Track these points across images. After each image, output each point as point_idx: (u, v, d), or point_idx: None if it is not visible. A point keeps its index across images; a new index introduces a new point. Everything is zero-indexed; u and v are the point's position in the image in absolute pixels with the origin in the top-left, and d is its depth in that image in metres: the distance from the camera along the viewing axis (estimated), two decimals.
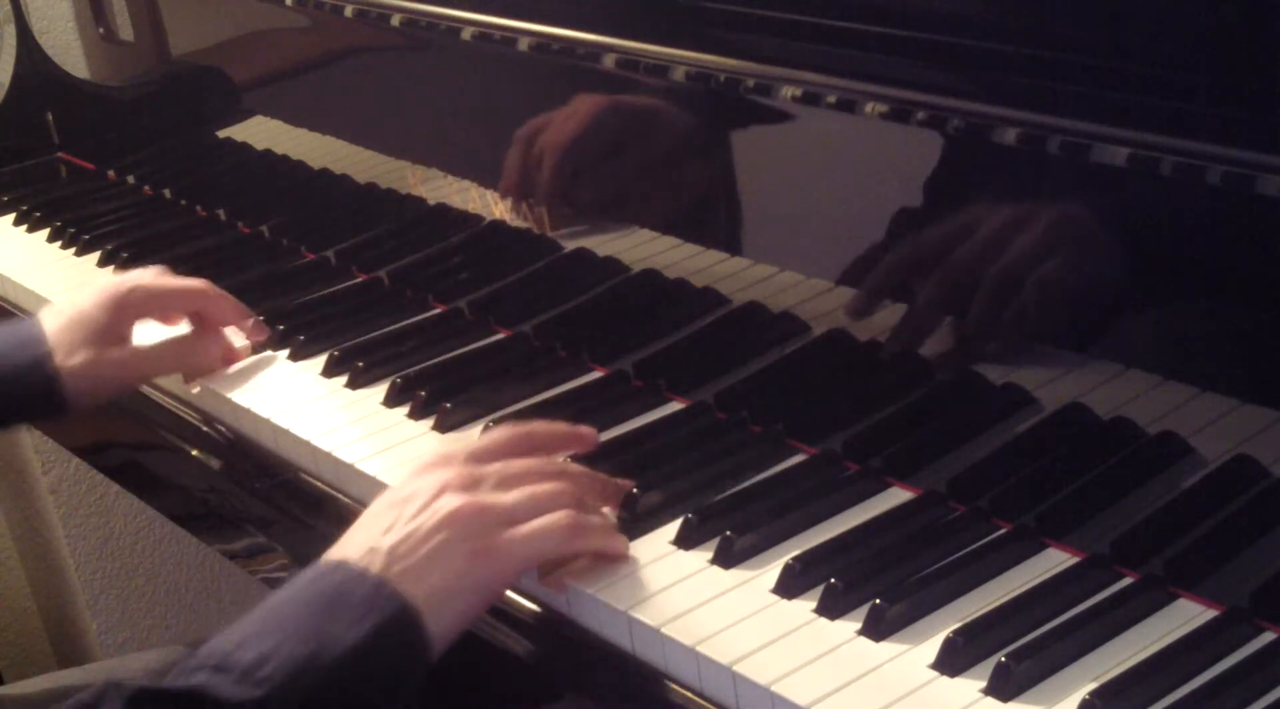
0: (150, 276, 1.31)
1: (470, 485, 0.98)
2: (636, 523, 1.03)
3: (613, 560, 0.99)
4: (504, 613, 1.02)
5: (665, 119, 1.18)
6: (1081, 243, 0.96)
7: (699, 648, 0.90)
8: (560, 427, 1.09)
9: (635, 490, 1.04)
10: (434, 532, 0.94)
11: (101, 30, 1.79)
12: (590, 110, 1.22)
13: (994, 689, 0.85)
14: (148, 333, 1.31)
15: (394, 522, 0.95)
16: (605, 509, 1.04)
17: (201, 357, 1.31)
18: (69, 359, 1.22)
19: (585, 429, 1.10)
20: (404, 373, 1.25)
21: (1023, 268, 0.99)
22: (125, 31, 1.76)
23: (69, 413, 1.24)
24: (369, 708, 0.91)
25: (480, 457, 1.02)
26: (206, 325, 1.32)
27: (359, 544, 0.94)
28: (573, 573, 0.99)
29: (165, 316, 1.33)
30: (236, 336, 1.34)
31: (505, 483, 0.99)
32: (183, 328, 1.33)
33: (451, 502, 0.95)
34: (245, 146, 1.64)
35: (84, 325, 1.24)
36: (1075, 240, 0.96)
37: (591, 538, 0.99)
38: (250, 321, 1.34)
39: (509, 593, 1.02)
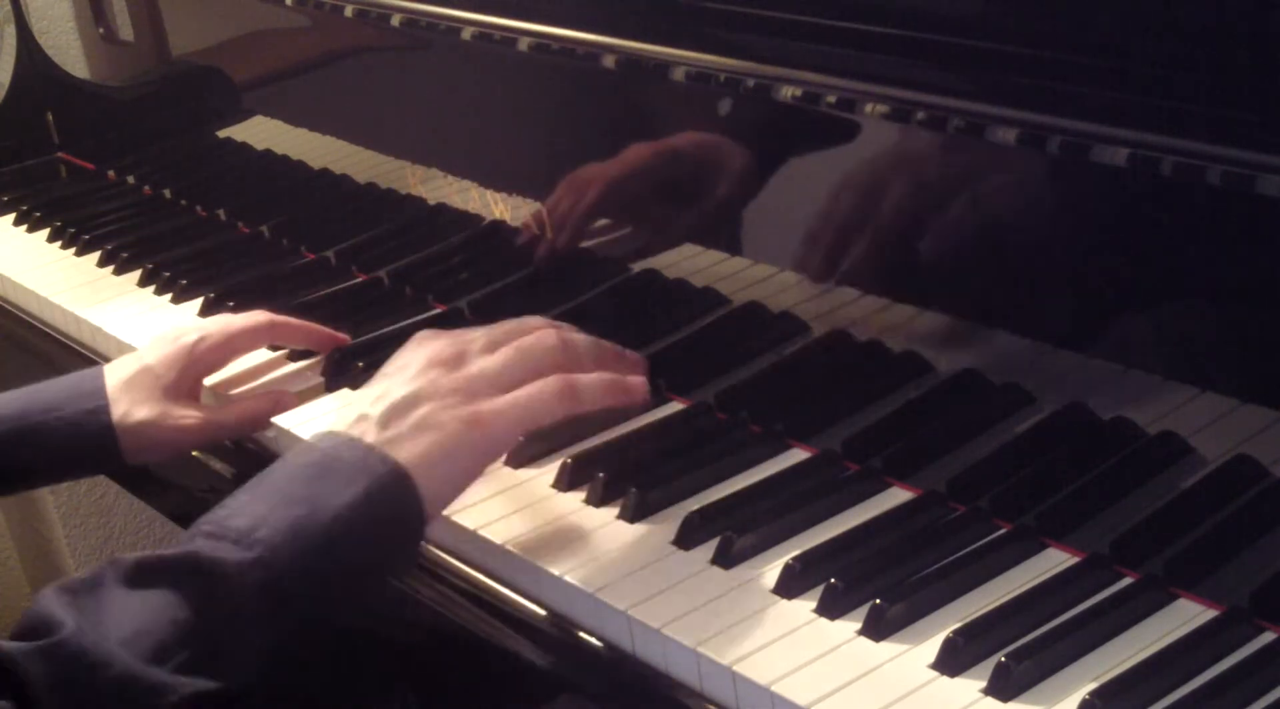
0: (218, 328, 1.24)
1: (458, 353, 0.99)
2: (637, 522, 1.03)
3: (627, 403, 0.99)
4: (504, 612, 1.02)
5: (663, 119, 1.18)
6: (1081, 243, 0.96)
7: (699, 648, 0.90)
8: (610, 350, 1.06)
9: (635, 490, 1.04)
10: (423, 399, 0.95)
11: (101, 30, 1.79)
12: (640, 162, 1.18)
13: (994, 689, 0.85)
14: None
15: (383, 392, 0.96)
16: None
17: (269, 419, 1.22)
18: (128, 417, 1.16)
19: (634, 380, 1.05)
20: None
21: (1022, 267, 0.99)
22: (125, 31, 1.76)
23: (124, 467, 1.20)
24: (368, 572, 0.92)
25: (465, 334, 1.02)
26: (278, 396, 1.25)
27: (349, 416, 0.95)
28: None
29: (233, 353, 1.26)
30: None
31: (493, 345, 1.00)
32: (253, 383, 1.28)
33: (440, 372, 0.96)
34: (245, 146, 1.64)
35: (148, 382, 1.18)
36: (1074, 240, 0.96)
37: (585, 399, 0.99)
38: (319, 333, 1.29)
39: (508, 592, 1.02)
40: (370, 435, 0.94)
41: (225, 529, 0.88)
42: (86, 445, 1.16)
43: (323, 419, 1.21)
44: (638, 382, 1.02)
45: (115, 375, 1.18)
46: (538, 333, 1.01)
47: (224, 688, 0.85)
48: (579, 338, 1.04)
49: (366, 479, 0.90)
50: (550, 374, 1.00)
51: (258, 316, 1.26)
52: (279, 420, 1.21)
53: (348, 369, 1.27)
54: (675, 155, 1.17)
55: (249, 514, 0.89)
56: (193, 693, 0.83)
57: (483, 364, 0.99)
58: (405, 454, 0.92)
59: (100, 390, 1.17)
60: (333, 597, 0.91)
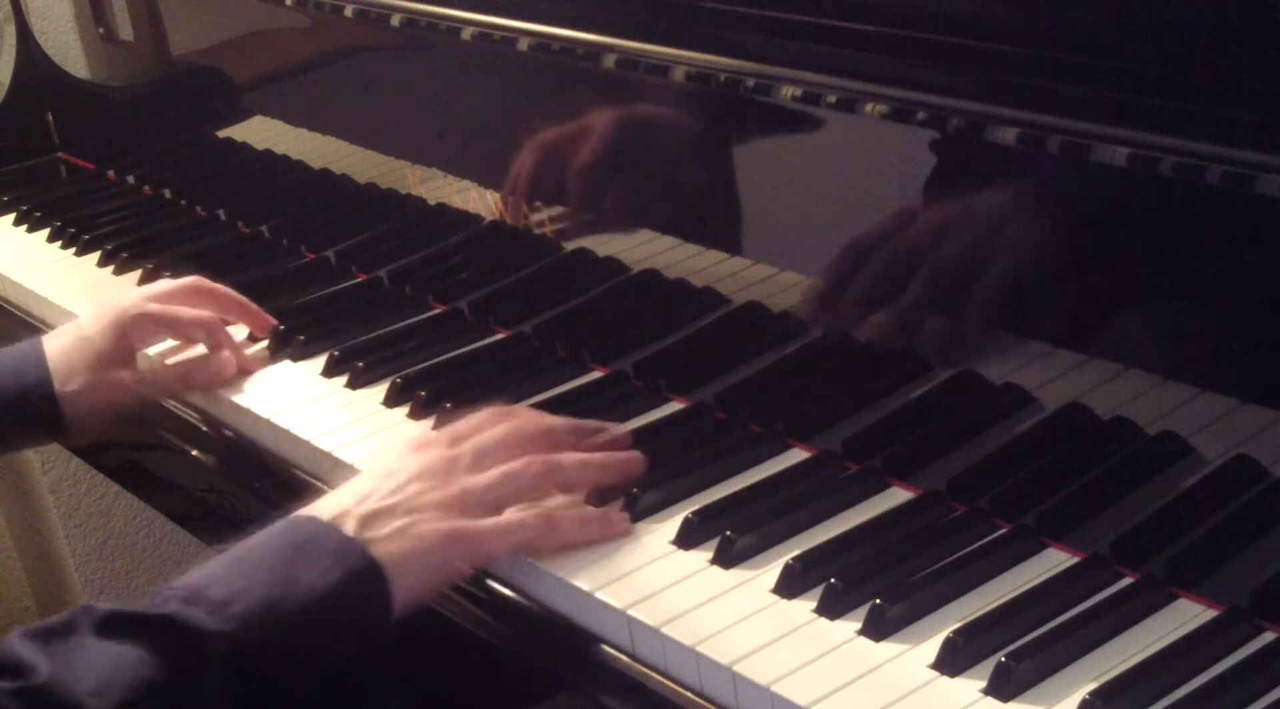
0: (156, 300, 1.29)
1: (446, 469, 1.00)
2: (637, 522, 1.03)
3: (602, 541, 1.01)
4: (503, 611, 1.02)
5: (668, 121, 1.18)
6: (1081, 243, 0.96)
7: (699, 648, 0.90)
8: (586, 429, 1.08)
9: (635, 490, 1.04)
10: (408, 509, 0.97)
11: (101, 30, 1.79)
12: (606, 126, 1.20)
13: (994, 689, 0.85)
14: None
15: (370, 492, 0.98)
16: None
17: (207, 379, 1.29)
18: (68, 384, 1.21)
19: (617, 431, 1.08)
20: (404, 373, 1.25)
21: (1021, 266, 0.99)
22: (125, 31, 1.76)
23: (70, 436, 1.24)
24: (328, 660, 0.94)
25: (461, 435, 1.04)
26: (214, 343, 1.30)
27: (332, 506, 0.97)
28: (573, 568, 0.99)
29: (174, 333, 1.32)
30: (242, 345, 1.33)
31: (480, 460, 1.02)
32: (194, 350, 1.32)
33: (428, 486, 0.99)
34: (245, 146, 1.64)
35: (85, 349, 1.24)
36: (1074, 240, 0.96)
37: (565, 534, 1.01)
38: (253, 314, 1.34)
39: (508, 591, 1.02)
40: (350, 530, 0.96)
41: (202, 598, 0.90)
42: (31, 417, 1.21)
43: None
44: (618, 517, 1.03)
45: (54, 346, 1.24)
46: (525, 458, 1.03)
47: None
48: (567, 458, 1.05)
49: (343, 569, 0.93)
50: (539, 496, 1.03)
51: (199, 298, 1.32)
52: (276, 419, 1.22)
53: (290, 340, 1.32)
54: (639, 122, 1.19)
55: (226, 586, 0.91)
56: None
57: (469, 483, 1.01)
58: (382, 552, 0.95)
59: (42, 363, 1.22)
60: (294, 674, 0.93)
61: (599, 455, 1.06)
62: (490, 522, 0.99)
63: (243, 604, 0.90)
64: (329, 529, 0.95)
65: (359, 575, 0.93)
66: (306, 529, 0.96)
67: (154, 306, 1.29)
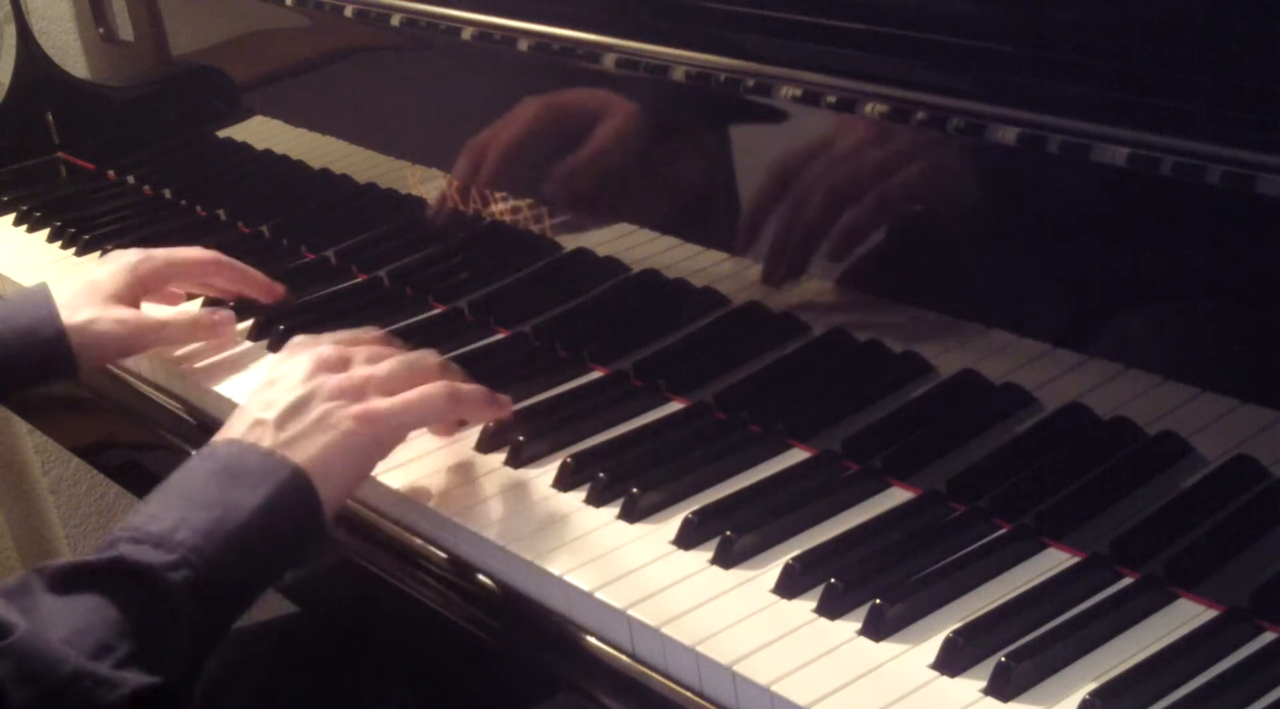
0: (163, 250, 1.34)
1: (341, 357, 1.06)
2: (637, 522, 1.03)
3: (496, 419, 1.09)
4: (503, 611, 1.02)
5: (667, 122, 1.18)
6: (1081, 243, 0.96)
7: (699, 648, 0.90)
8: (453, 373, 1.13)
9: (635, 490, 1.04)
10: (314, 400, 1.01)
11: (101, 30, 1.79)
12: (607, 125, 1.22)
13: (994, 689, 0.85)
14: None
15: (274, 398, 1.02)
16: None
17: (210, 334, 1.32)
18: (75, 316, 1.24)
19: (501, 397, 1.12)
20: None
21: (1022, 266, 0.99)
22: (125, 31, 1.76)
23: (77, 371, 1.26)
24: (278, 566, 0.98)
25: (345, 340, 1.10)
26: (218, 289, 1.36)
27: (244, 422, 1.01)
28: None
29: (180, 286, 1.36)
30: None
31: (375, 356, 1.07)
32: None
33: (327, 375, 1.04)
34: (245, 146, 1.64)
35: (91, 287, 1.27)
36: (1074, 240, 0.96)
37: (467, 406, 1.08)
38: (261, 282, 1.37)
39: (507, 590, 1.02)
40: (267, 439, 1.00)
41: (146, 534, 0.93)
42: (40, 350, 1.23)
43: None
44: (505, 398, 1.11)
45: (62, 287, 1.27)
46: (419, 351, 1.10)
47: (163, 682, 0.89)
48: (452, 364, 1.12)
49: (271, 483, 0.96)
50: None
51: (203, 251, 1.35)
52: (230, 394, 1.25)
53: (270, 329, 1.34)
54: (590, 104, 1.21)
55: (166, 519, 0.94)
56: (138, 686, 0.88)
57: (369, 369, 1.06)
58: (303, 455, 0.99)
59: (49, 299, 1.25)
60: (248, 590, 0.96)
61: (484, 389, 1.11)
62: (399, 397, 1.04)
63: (186, 532, 0.93)
64: (249, 447, 0.99)
65: (286, 484, 0.97)
66: (228, 452, 0.99)
67: (159, 251, 1.33)
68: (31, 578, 0.91)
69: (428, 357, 1.10)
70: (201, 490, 0.96)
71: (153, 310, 1.34)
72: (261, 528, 0.95)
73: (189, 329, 1.32)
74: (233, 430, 1.02)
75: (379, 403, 1.03)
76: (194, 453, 1.01)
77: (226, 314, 1.33)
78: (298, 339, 1.11)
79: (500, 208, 1.33)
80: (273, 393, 1.03)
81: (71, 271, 1.56)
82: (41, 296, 1.26)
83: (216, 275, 1.36)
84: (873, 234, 1.06)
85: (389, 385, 1.05)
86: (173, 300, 1.38)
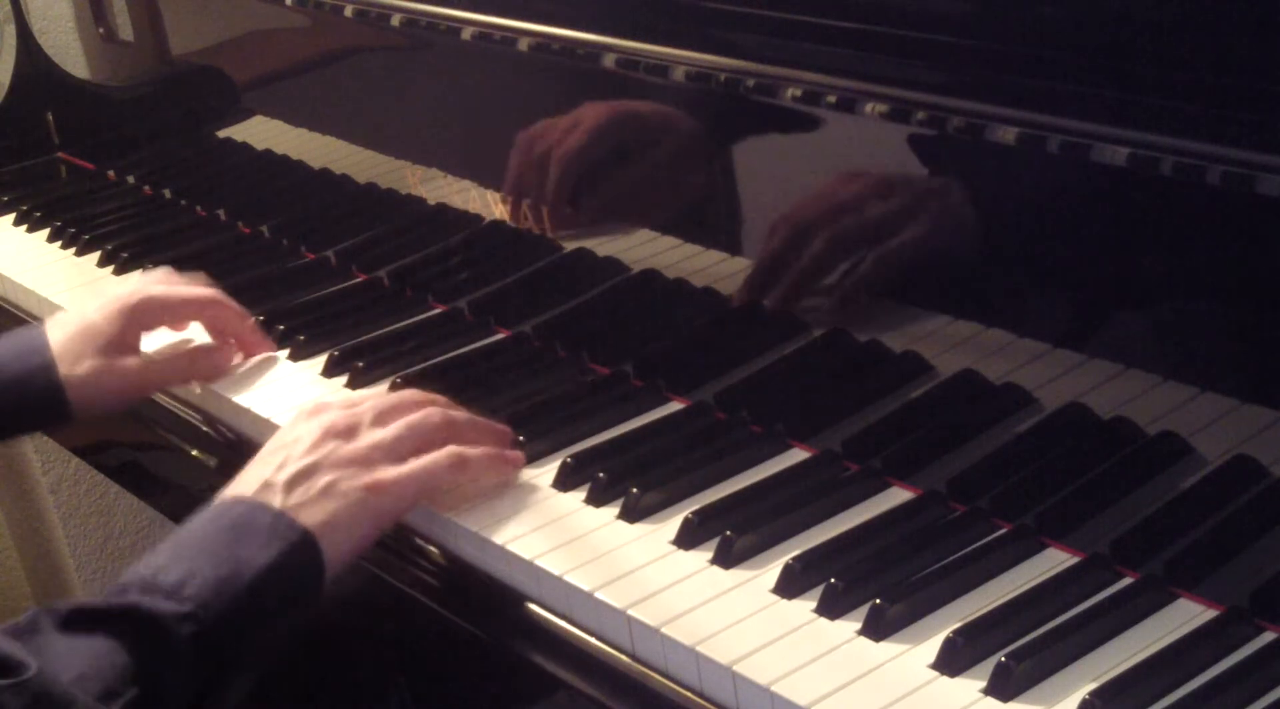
0: (158, 286, 1.30)
1: (350, 425, 1.06)
2: (637, 522, 1.03)
3: (505, 479, 1.09)
4: (502, 610, 1.02)
5: (667, 121, 1.18)
6: (1081, 243, 0.96)
7: (699, 648, 0.90)
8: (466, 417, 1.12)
9: (635, 490, 1.04)
10: (323, 469, 1.02)
11: (101, 30, 1.79)
12: (596, 119, 1.22)
13: (994, 689, 0.85)
14: (159, 339, 1.31)
15: (284, 461, 1.03)
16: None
17: (211, 368, 1.29)
18: (74, 369, 1.21)
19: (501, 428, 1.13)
20: (404, 373, 1.25)
21: (1021, 266, 0.99)
22: (125, 31, 1.76)
23: (74, 422, 1.24)
24: (276, 629, 0.98)
25: (355, 401, 1.10)
26: (217, 328, 1.32)
27: (253, 482, 1.02)
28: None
29: (175, 325, 1.32)
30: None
31: (381, 418, 1.07)
32: (194, 334, 1.32)
33: (337, 443, 1.04)
34: (245, 146, 1.64)
35: (90, 336, 1.23)
36: (1074, 240, 0.96)
37: (476, 468, 1.07)
38: (252, 333, 1.32)
39: (507, 591, 1.02)
40: (276, 502, 1.00)
41: (157, 585, 0.94)
42: (35, 403, 1.21)
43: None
44: (515, 455, 1.11)
45: (57, 333, 1.23)
46: (424, 410, 1.09)
47: None
48: (459, 414, 1.11)
49: (280, 543, 0.98)
50: (438, 446, 1.07)
51: (203, 291, 1.31)
52: (276, 419, 1.22)
53: (290, 340, 1.32)
54: (630, 116, 1.20)
55: (176, 571, 0.95)
56: None
57: (376, 436, 1.06)
58: (310, 519, 1.00)
59: (45, 346, 1.21)
60: (247, 646, 0.97)
61: (480, 419, 1.12)
62: (404, 468, 1.04)
63: (195, 586, 0.94)
64: (259, 507, 1.00)
65: (294, 546, 0.98)
66: (238, 510, 1.00)
67: (157, 289, 1.29)
68: (41, 617, 0.92)
69: (433, 415, 1.08)
70: (210, 546, 0.97)
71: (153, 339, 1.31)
72: (268, 586, 0.96)
73: (188, 368, 1.29)
74: (243, 488, 1.02)
75: (386, 473, 1.03)
76: (205, 507, 1.01)
77: (228, 350, 1.30)
78: (308, 404, 1.10)
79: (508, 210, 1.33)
80: (283, 456, 1.04)
81: (72, 272, 1.57)
82: (38, 343, 1.22)
83: (214, 316, 1.32)
84: (876, 244, 1.06)
85: (397, 450, 1.05)
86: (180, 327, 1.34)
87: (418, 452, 1.06)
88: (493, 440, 1.11)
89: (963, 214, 1.01)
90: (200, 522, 1.00)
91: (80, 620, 0.92)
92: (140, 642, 0.91)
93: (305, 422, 1.07)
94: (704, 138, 1.16)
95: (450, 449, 1.06)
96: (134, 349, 1.26)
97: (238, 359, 1.31)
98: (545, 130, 1.25)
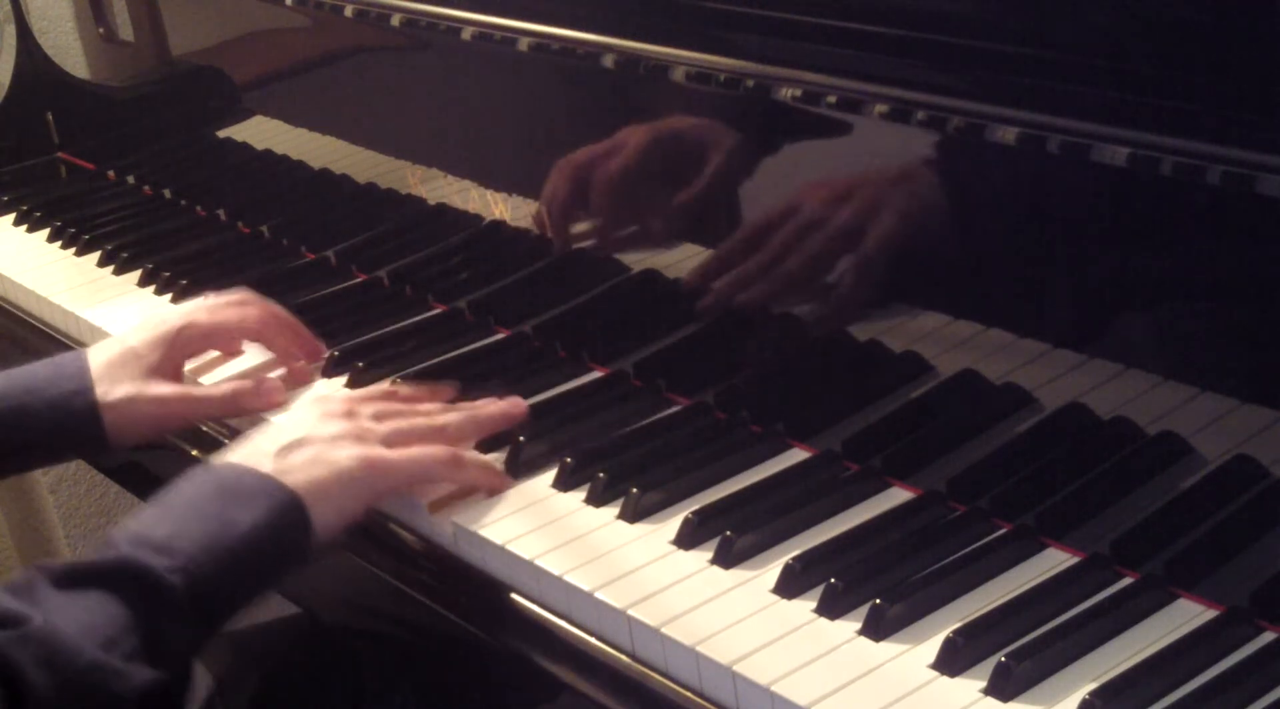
0: (203, 313, 1.26)
1: (349, 410, 1.08)
2: (637, 522, 1.03)
3: (491, 492, 1.08)
4: (503, 612, 1.02)
5: (667, 121, 1.18)
6: (1081, 243, 0.96)
7: (699, 648, 0.90)
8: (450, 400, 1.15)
9: (635, 490, 1.04)
10: (316, 440, 1.04)
11: (101, 30, 1.79)
12: (637, 146, 1.20)
13: (994, 689, 0.85)
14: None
15: (278, 434, 1.05)
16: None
17: (254, 400, 1.23)
18: (110, 394, 1.17)
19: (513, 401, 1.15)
20: (404, 373, 1.25)
21: (1021, 266, 0.99)
22: (125, 31, 1.76)
23: (109, 449, 1.21)
24: (259, 583, 1.00)
25: (358, 398, 1.12)
26: (266, 366, 1.28)
27: (245, 450, 1.04)
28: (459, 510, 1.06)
29: (221, 344, 1.29)
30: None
31: (380, 418, 1.09)
32: (245, 360, 1.30)
33: (333, 421, 1.06)
34: (245, 146, 1.64)
35: (129, 361, 1.20)
36: (1074, 240, 0.96)
37: (468, 471, 1.08)
38: (308, 347, 1.29)
39: (510, 593, 1.02)
40: (265, 466, 1.01)
41: (147, 541, 0.95)
42: (70, 426, 1.18)
43: None
44: (506, 479, 1.10)
45: (98, 357, 1.20)
46: (428, 424, 1.10)
47: (165, 678, 0.92)
48: (454, 417, 1.12)
49: (268, 504, 0.99)
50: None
51: (249, 312, 1.28)
52: (276, 419, 1.21)
53: (347, 366, 1.28)
54: (669, 144, 1.19)
55: (165, 528, 0.96)
56: (146, 679, 0.90)
57: (373, 424, 1.08)
58: (299, 484, 1.00)
59: (84, 372, 1.19)
60: (235, 602, 0.98)
61: (483, 410, 1.14)
62: (399, 451, 1.06)
63: (186, 542, 0.95)
64: (247, 470, 1.01)
65: (282, 507, 0.99)
66: (226, 473, 1.01)
67: (201, 316, 1.26)
68: (36, 576, 0.93)
69: (436, 428, 1.10)
70: (198, 505, 0.98)
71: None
72: (254, 544, 0.97)
73: (232, 402, 1.23)
74: (233, 456, 1.04)
75: (380, 452, 1.05)
76: (192, 472, 1.02)
77: (274, 384, 1.24)
78: (310, 395, 1.12)
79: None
80: (279, 432, 1.05)
81: (72, 272, 1.57)
82: (77, 367, 1.19)
83: (261, 338, 1.28)
84: (873, 242, 1.06)
85: (389, 440, 1.07)
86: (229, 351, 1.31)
87: (411, 446, 1.07)
88: (488, 430, 1.13)
89: (963, 214, 1.01)
90: (187, 484, 1.00)
91: (75, 577, 0.93)
92: (136, 594, 0.92)
93: (306, 406, 1.10)
94: (703, 137, 1.16)
95: (448, 448, 1.08)
96: (174, 376, 1.23)
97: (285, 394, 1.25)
98: (586, 162, 1.23)
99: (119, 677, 0.89)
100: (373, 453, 1.04)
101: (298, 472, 1.01)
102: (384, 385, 1.21)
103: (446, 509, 1.07)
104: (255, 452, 1.03)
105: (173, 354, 1.23)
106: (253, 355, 1.31)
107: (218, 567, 0.95)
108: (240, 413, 1.24)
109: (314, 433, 1.05)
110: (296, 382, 1.27)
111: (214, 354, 1.31)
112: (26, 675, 0.86)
